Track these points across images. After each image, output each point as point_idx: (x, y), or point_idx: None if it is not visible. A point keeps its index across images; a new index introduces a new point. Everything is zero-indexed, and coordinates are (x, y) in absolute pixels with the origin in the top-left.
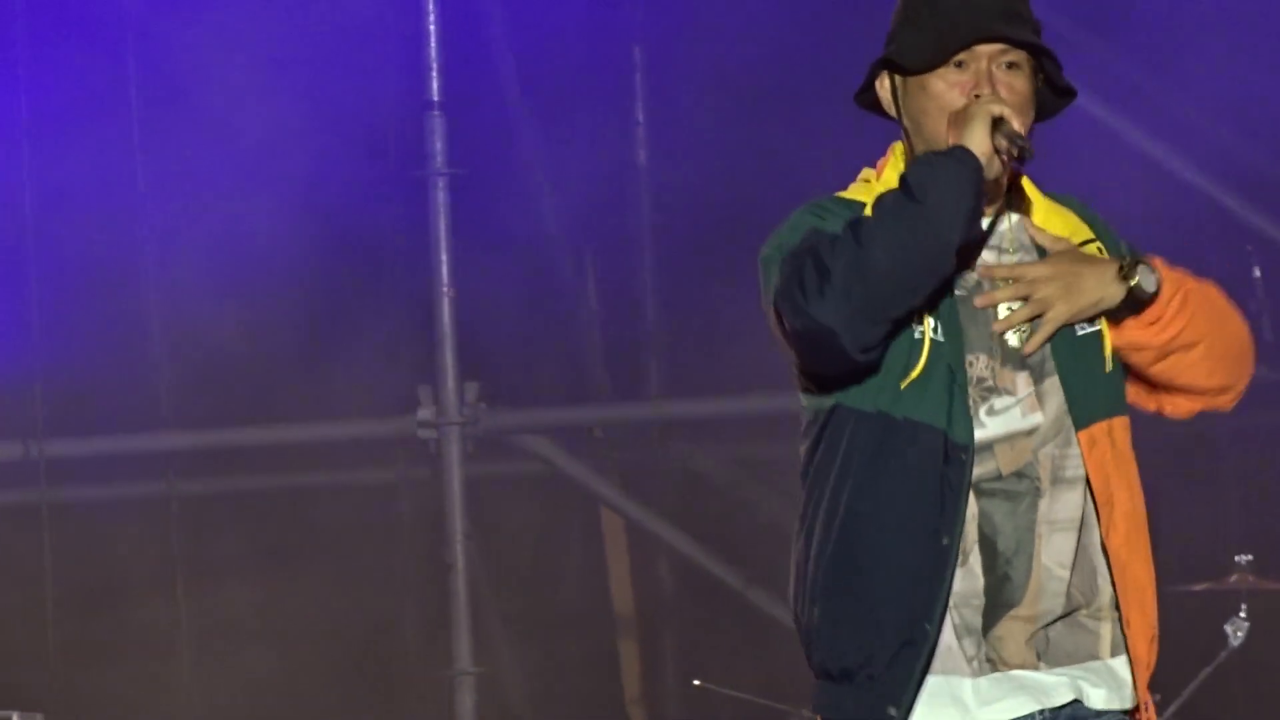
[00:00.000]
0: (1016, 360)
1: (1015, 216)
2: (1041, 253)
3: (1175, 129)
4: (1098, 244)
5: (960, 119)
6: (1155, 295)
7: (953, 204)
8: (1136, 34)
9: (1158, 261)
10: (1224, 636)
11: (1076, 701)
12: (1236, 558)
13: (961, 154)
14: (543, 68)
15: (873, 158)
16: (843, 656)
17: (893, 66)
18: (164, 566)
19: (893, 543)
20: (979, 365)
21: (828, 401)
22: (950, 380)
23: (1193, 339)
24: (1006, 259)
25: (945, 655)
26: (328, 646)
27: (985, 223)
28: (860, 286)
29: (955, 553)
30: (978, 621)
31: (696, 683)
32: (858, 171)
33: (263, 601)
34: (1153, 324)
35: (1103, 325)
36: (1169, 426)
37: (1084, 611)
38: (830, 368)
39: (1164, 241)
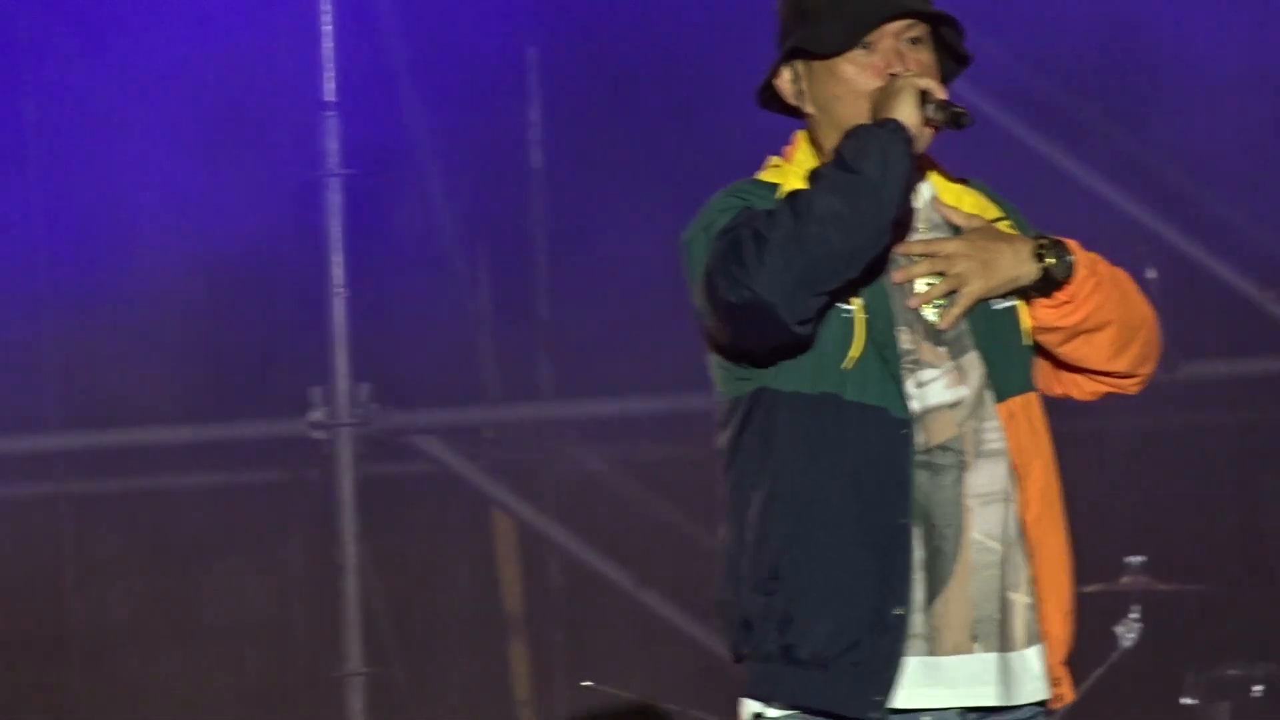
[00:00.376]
0: (935, 334)
1: (927, 194)
2: (955, 230)
3: (1067, 127)
4: (1007, 221)
5: (884, 96)
6: (1069, 276)
7: (889, 173)
8: (1019, 29)
9: (1073, 244)
10: (1116, 638)
11: (996, 708)
12: (1128, 559)
13: (894, 125)
14: (437, 68)
15: (768, 154)
16: (817, 642)
17: (801, 55)
18: (52, 567)
19: (852, 525)
20: (904, 339)
21: (750, 386)
22: (883, 356)
23: (1102, 321)
24: (919, 236)
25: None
26: (218, 647)
27: None
28: (800, 257)
29: (909, 530)
30: (921, 596)
31: (586, 683)
32: (754, 169)
33: (152, 602)
34: (1064, 304)
35: (1018, 300)
36: (1061, 425)
37: (1010, 589)
38: (766, 342)
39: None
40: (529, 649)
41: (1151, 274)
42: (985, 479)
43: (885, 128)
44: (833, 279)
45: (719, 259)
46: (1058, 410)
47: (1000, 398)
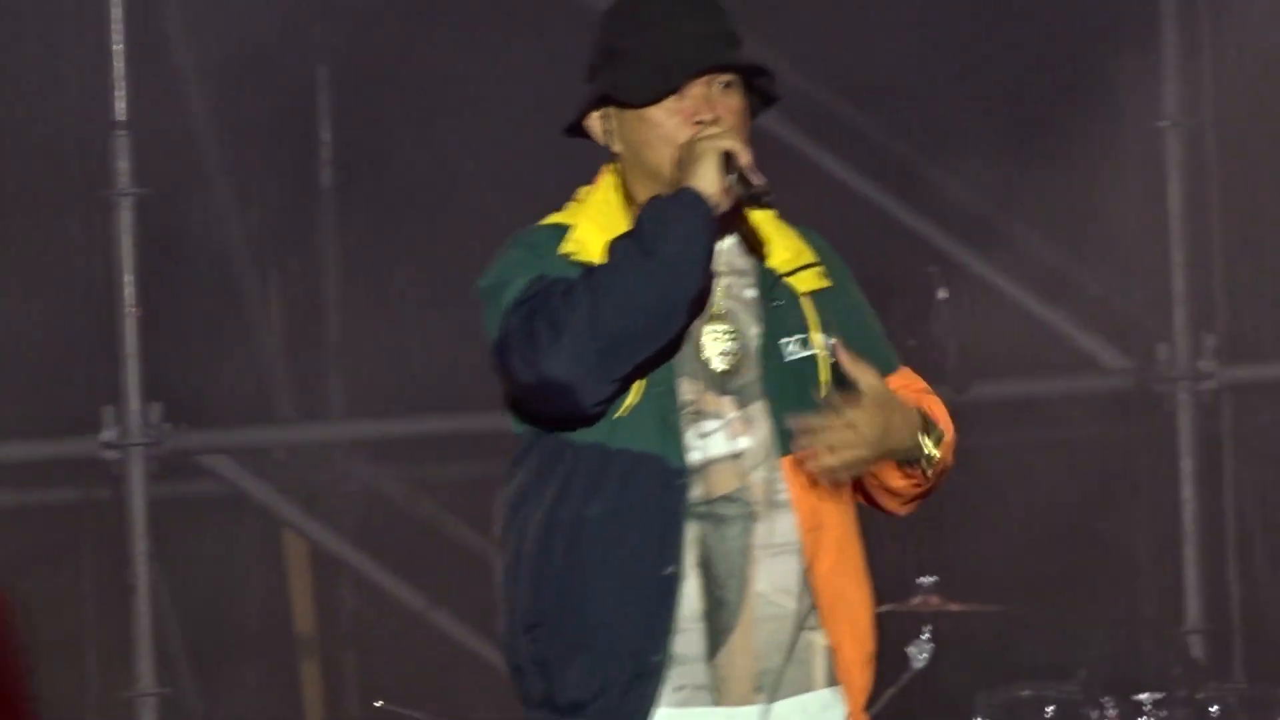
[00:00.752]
0: (720, 384)
1: (729, 240)
2: (762, 276)
3: (860, 150)
4: (820, 268)
5: (688, 157)
6: (939, 459)
7: (687, 256)
8: (827, 56)
9: (940, 415)
10: (907, 658)
11: None
12: (919, 579)
13: (691, 199)
14: (228, 86)
15: (566, 178)
16: (573, 689)
17: (611, 101)
18: None
19: (616, 574)
20: (685, 389)
21: (532, 429)
22: (662, 405)
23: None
24: (721, 283)
25: (672, 686)
26: None
27: None
28: (595, 344)
29: (679, 581)
30: (700, 648)
31: (379, 704)
32: (548, 195)
33: None
34: (920, 480)
35: (819, 350)
36: None
37: (805, 635)
38: (561, 421)
39: (849, 263)
40: (321, 669)
41: (942, 294)
42: (779, 530)
43: (683, 201)
44: (630, 361)
45: (514, 335)
46: None
47: (786, 450)
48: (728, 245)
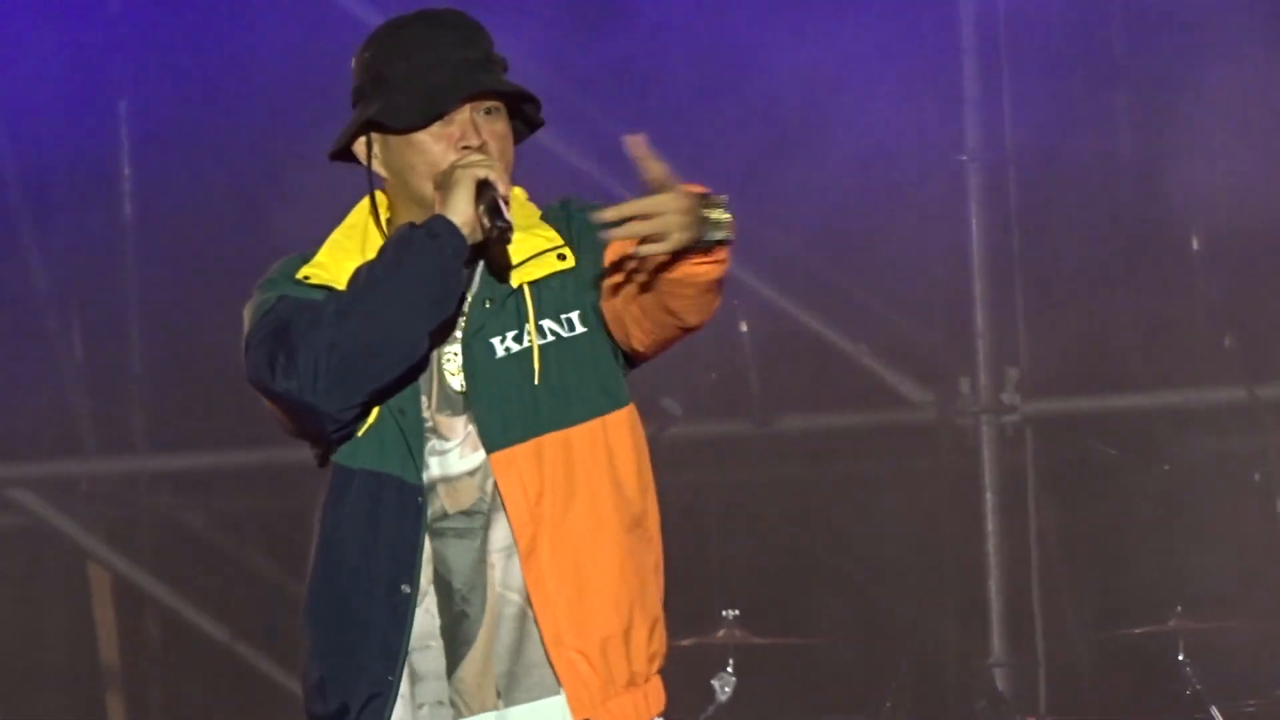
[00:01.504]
0: (456, 403)
1: (481, 264)
2: (485, 285)
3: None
4: (561, 250)
5: (444, 183)
6: (729, 232)
7: (428, 284)
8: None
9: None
10: (712, 691)
11: None
12: (724, 613)
13: (440, 227)
14: (27, 120)
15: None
16: (318, 707)
17: (377, 127)
18: None
19: (357, 594)
20: (425, 409)
21: (318, 453)
22: (400, 424)
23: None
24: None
25: (402, 703)
26: None
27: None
28: (330, 369)
29: (415, 599)
30: (439, 664)
31: None
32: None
33: None
34: (718, 259)
35: (533, 341)
36: (658, 480)
37: (530, 635)
38: (307, 438)
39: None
40: (125, 701)
41: (744, 327)
42: (503, 532)
43: (430, 229)
44: (368, 385)
45: (255, 361)
46: (658, 466)
47: (493, 447)
48: (481, 269)
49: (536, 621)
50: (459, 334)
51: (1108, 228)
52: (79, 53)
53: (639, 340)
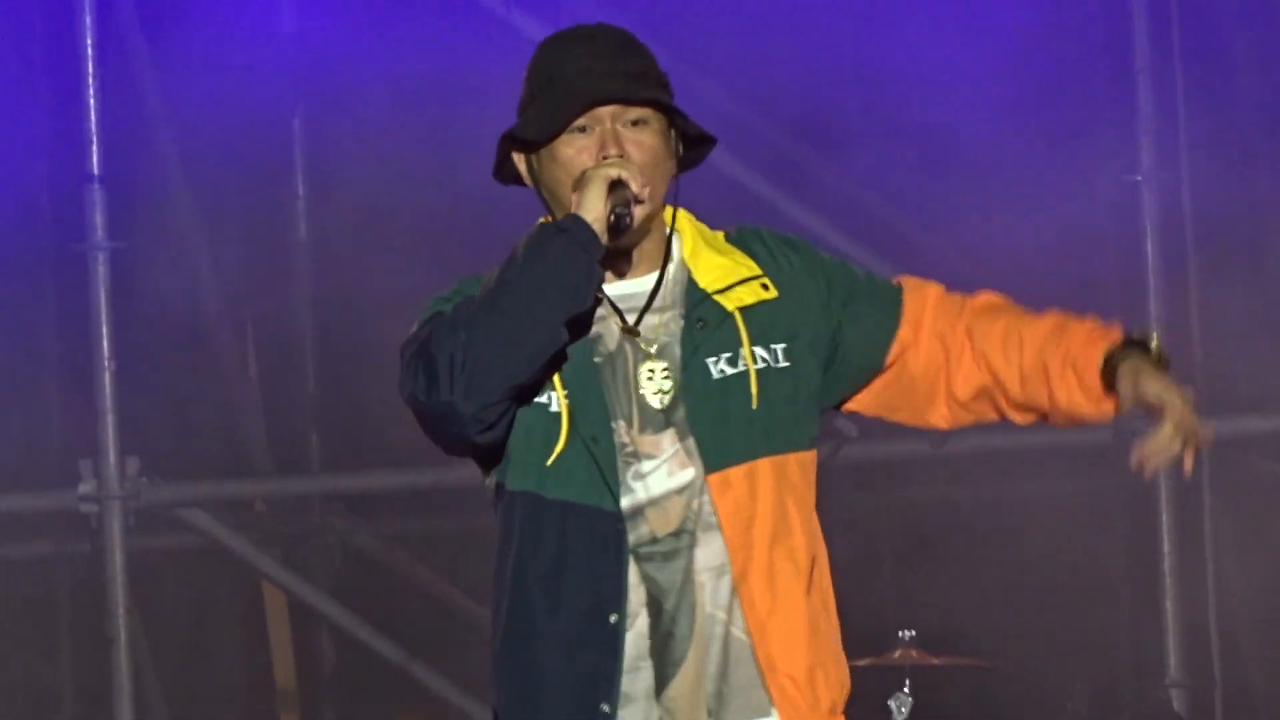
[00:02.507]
0: (658, 421)
1: (672, 268)
2: (691, 299)
3: (826, 198)
4: (763, 280)
5: (579, 184)
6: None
7: (559, 279)
8: (788, 104)
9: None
10: (888, 712)
11: None
12: (900, 633)
13: (570, 223)
14: (201, 140)
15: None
16: None
17: (517, 143)
18: None
19: (561, 626)
20: (620, 432)
21: (493, 481)
22: (593, 451)
23: None
24: (654, 318)
25: None
26: None
27: (644, 281)
28: (463, 372)
29: (624, 629)
30: (649, 685)
31: None
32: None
33: None
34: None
35: (749, 365)
36: (825, 505)
37: (740, 656)
38: (456, 448)
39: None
40: None
41: None
42: (710, 552)
43: (561, 225)
44: (501, 387)
45: (404, 363)
46: (833, 486)
47: (711, 469)
48: (670, 277)
49: (752, 647)
50: (653, 348)
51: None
52: (252, 71)
53: (868, 408)
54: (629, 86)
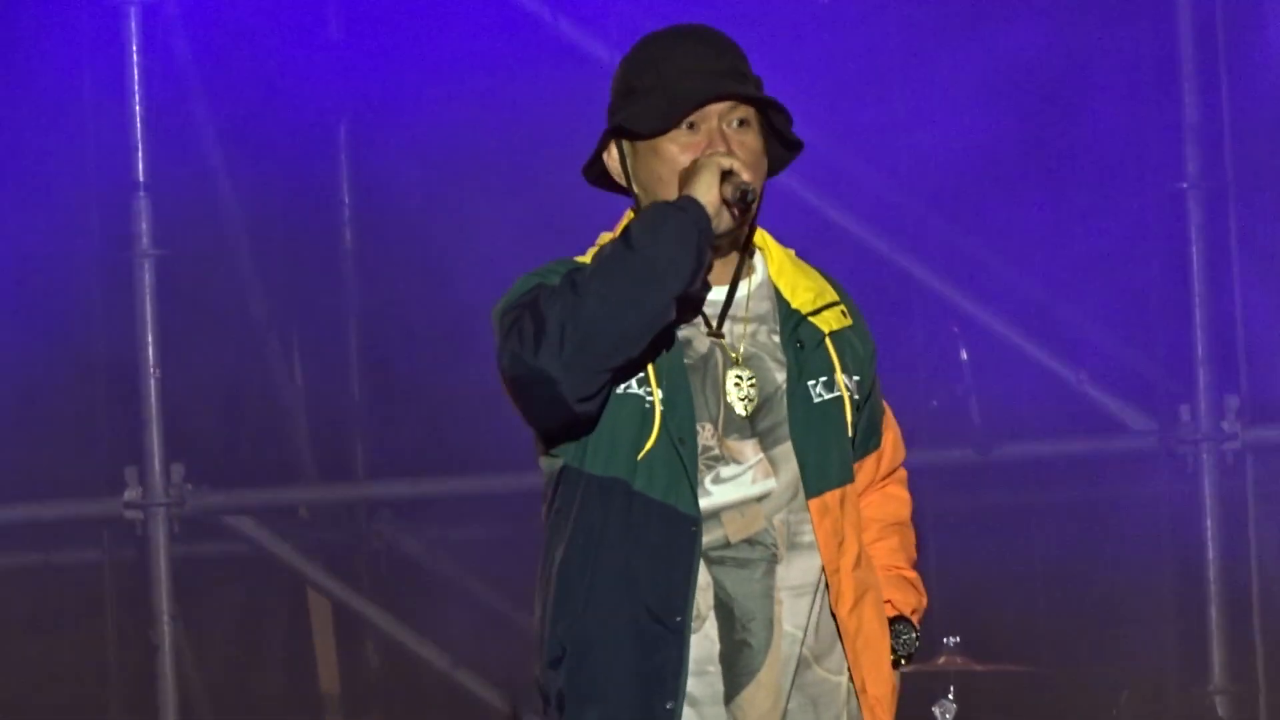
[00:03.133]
0: (744, 428)
1: (756, 281)
2: (786, 315)
3: (876, 207)
4: (841, 307)
5: (689, 173)
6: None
7: (671, 251)
8: (837, 112)
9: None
10: (933, 718)
11: None
12: (945, 639)
13: (686, 203)
14: (247, 146)
15: (588, 227)
16: None
17: (624, 134)
18: None
19: (626, 619)
20: (705, 434)
21: (558, 464)
22: (678, 450)
23: None
24: (738, 328)
25: None
26: None
27: (723, 291)
28: (574, 335)
29: (689, 629)
30: (718, 690)
31: None
32: (568, 244)
33: None
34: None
35: (843, 391)
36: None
37: (819, 673)
38: (549, 418)
39: (870, 324)
40: None
41: (964, 355)
42: (797, 572)
43: (677, 205)
44: (610, 358)
45: (503, 335)
46: None
47: (813, 492)
48: (754, 289)
49: (830, 666)
50: (739, 356)
51: None
52: (298, 80)
53: None
54: (744, 86)
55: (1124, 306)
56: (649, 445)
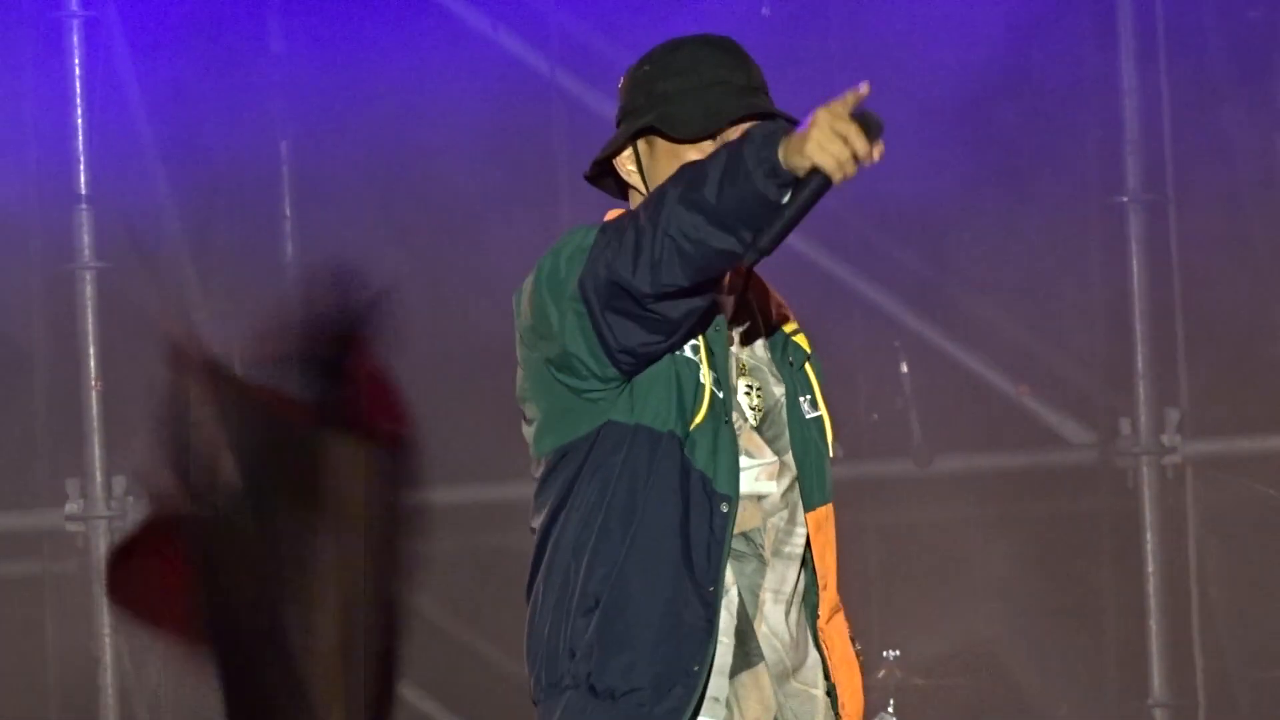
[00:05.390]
0: (757, 426)
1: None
2: (773, 335)
3: (815, 220)
4: (801, 332)
5: (803, 135)
6: None
7: (769, 186)
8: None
9: None
10: None
11: None
12: (885, 653)
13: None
14: (189, 161)
15: (533, 238)
16: (614, 677)
17: (653, 133)
18: None
19: (669, 575)
20: (735, 420)
21: (593, 424)
22: (719, 432)
23: None
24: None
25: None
26: None
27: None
28: (662, 233)
29: (719, 598)
30: (726, 661)
31: None
32: (515, 262)
33: None
34: None
35: (824, 411)
36: None
37: (795, 685)
38: (626, 336)
39: (811, 337)
40: None
41: (905, 369)
42: (779, 578)
43: (757, 151)
44: (689, 274)
45: (603, 250)
46: None
47: (810, 506)
48: (748, 305)
49: (806, 679)
50: (743, 364)
51: (1270, 266)
52: (240, 92)
53: None
54: (770, 104)
55: (1064, 319)
56: (699, 418)
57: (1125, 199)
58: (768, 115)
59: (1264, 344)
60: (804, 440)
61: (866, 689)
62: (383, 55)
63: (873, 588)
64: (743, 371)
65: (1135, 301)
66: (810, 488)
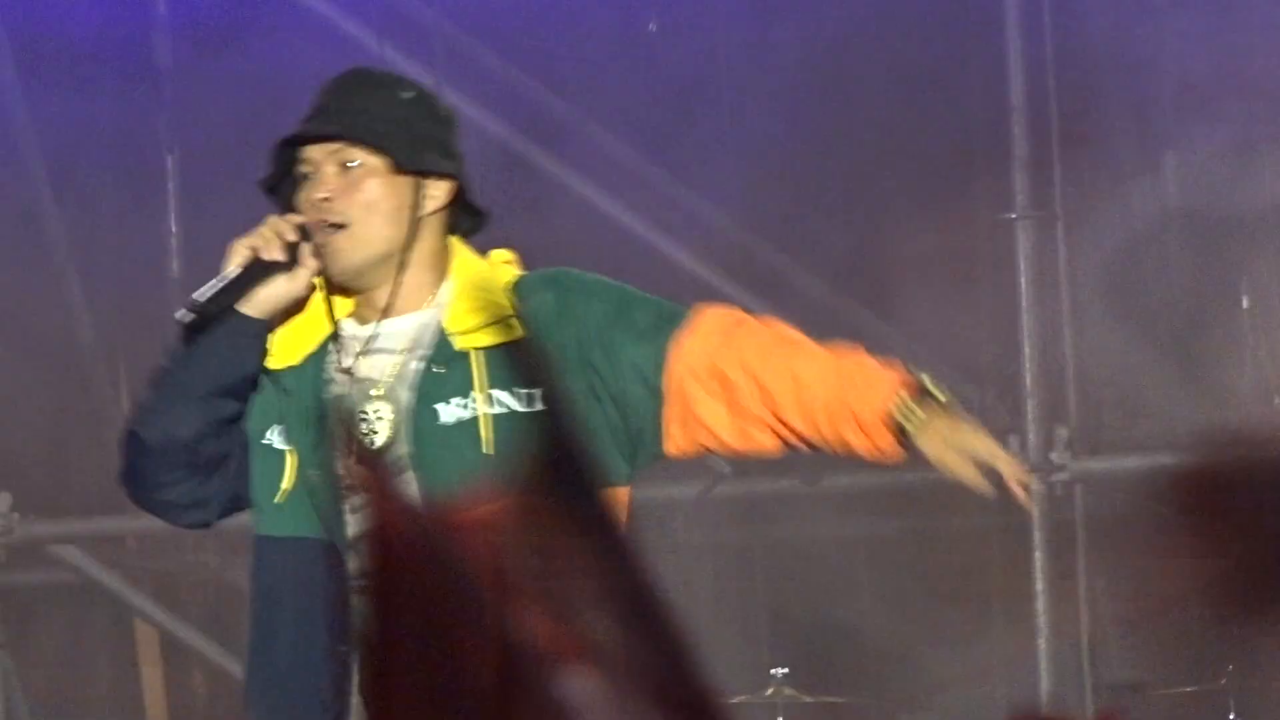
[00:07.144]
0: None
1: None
2: (436, 343)
3: (692, 228)
4: (511, 319)
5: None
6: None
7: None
8: (657, 131)
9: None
10: None
11: None
12: (773, 671)
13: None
14: (76, 168)
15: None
16: None
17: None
18: None
19: (300, 658)
20: (343, 468)
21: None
22: (317, 486)
23: None
24: (384, 359)
25: None
26: None
27: (369, 328)
28: (133, 450)
29: (355, 658)
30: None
31: None
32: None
33: None
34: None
35: (479, 412)
36: (708, 536)
37: None
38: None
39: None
40: None
41: None
42: None
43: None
44: (164, 463)
45: None
46: (706, 523)
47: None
48: (424, 320)
49: None
50: (375, 391)
51: (1157, 284)
52: (126, 106)
53: (679, 450)
54: (325, 125)
55: (951, 336)
56: (286, 487)
57: (1014, 215)
58: (326, 137)
59: (1152, 361)
60: (434, 449)
61: (755, 707)
62: (266, 67)
63: (761, 604)
64: (370, 398)
65: (1024, 318)
66: (436, 496)
